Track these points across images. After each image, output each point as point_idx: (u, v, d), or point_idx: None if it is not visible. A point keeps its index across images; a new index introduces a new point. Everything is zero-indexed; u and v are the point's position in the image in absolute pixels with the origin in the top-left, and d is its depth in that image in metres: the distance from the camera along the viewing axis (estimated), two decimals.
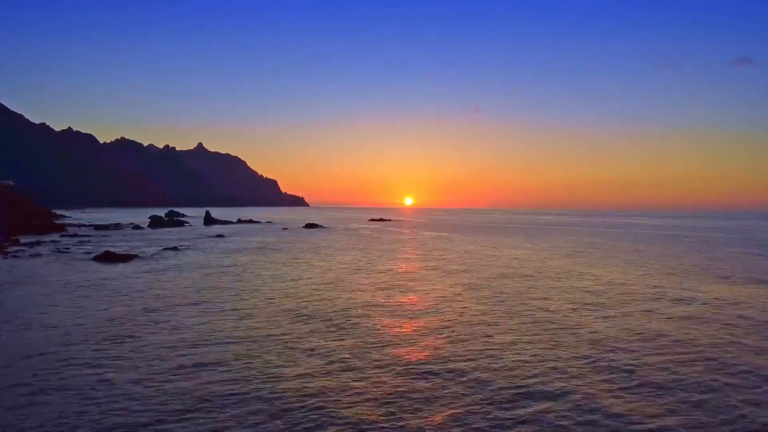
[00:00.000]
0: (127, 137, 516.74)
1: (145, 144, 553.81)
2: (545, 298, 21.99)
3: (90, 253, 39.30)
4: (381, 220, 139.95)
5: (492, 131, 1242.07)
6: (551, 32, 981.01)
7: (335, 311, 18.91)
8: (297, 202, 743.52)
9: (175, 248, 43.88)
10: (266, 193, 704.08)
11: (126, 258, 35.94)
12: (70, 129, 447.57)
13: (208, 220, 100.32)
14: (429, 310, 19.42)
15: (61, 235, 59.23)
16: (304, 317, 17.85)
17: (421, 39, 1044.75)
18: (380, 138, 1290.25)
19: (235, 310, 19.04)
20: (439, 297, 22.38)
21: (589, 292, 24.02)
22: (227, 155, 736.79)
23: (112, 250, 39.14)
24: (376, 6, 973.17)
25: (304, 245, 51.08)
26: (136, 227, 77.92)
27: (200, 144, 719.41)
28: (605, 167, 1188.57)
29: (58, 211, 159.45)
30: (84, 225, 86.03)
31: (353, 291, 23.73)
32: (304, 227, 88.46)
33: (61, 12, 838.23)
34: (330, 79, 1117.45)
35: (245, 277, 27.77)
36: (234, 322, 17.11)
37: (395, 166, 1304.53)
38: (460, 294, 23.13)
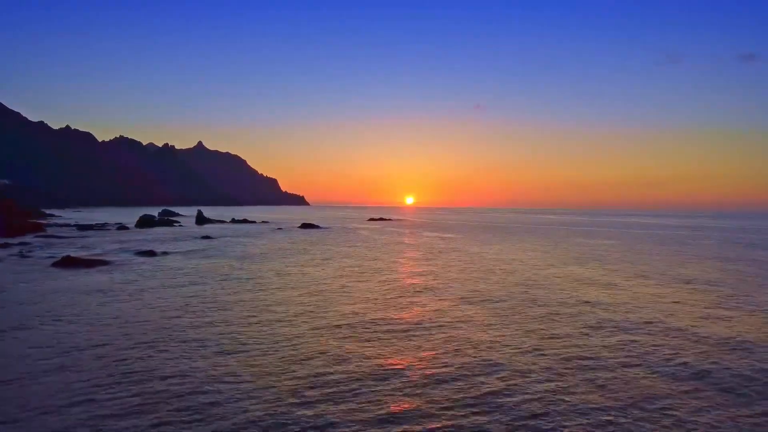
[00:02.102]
0: (126, 136, 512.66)
1: (145, 143, 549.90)
2: (594, 352, 16.78)
3: (54, 257, 35.12)
4: (381, 219, 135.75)
5: (493, 129, 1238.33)
6: (553, 28, 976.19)
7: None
8: (297, 201, 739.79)
9: (150, 252, 39.70)
10: (266, 192, 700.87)
11: (88, 264, 31.80)
12: (68, 127, 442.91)
13: (201, 220, 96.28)
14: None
15: (36, 236, 55.09)
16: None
17: (421, 37, 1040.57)
18: (381, 137, 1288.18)
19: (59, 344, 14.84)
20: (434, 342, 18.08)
21: (635, 326, 19.74)
22: (227, 154, 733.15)
23: (75, 254, 35.06)
24: (376, 6, 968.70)
25: (291, 248, 46.91)
26: (122, 227, 73.75)
27: (200, 143, 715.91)
28: (608, 166, 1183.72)
29: (49, 211, 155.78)
30: (69, 225, 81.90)
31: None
32: (299, 227, 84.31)
33: (59, 9, 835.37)
34: (330, 78, 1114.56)
35: (165, 298, 23.61)
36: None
37: (396, 164, 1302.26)
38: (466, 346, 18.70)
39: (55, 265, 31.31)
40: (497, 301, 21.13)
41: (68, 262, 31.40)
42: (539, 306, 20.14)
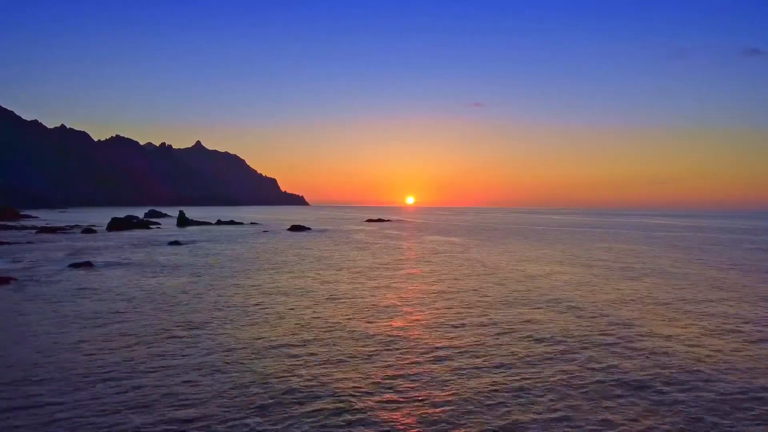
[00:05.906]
0: (122, 135, 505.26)
1: (142, 142, 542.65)
2: None
3: None
4: (379, 220, 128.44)
5: (493, 127, 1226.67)
6: (554, 24, 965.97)
7: None
8: (297, 200, 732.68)
9: (87, 264, 32.36)
10: (266, 191, 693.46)
11: None
12: (63, 126, 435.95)
13: (182, 222, 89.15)
14: None
15: None
16: None
17: (420, 35, 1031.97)
18: (381, 136, 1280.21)
19: None
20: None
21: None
22: (226, 153, 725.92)
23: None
24: (376, 5, 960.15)
25: (262, 261, 39.62)
26: (88, 230, 66.51)
27: (198, 142, 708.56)
28: (610, 164, 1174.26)
29: (34, 212, 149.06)
30: (35, 227, 74.56)
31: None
32: (288, 230, 77.04)
33: (55, 7, 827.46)
34: (330, 78, 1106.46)
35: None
36: None
37: (396, 164, 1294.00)
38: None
39: None
40: None
41: None
42: None
